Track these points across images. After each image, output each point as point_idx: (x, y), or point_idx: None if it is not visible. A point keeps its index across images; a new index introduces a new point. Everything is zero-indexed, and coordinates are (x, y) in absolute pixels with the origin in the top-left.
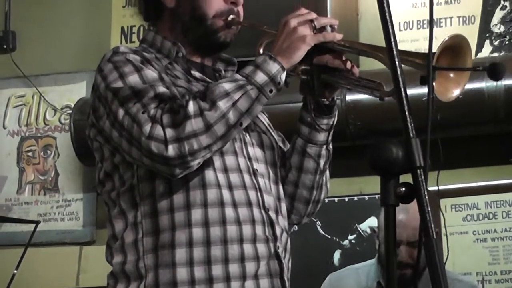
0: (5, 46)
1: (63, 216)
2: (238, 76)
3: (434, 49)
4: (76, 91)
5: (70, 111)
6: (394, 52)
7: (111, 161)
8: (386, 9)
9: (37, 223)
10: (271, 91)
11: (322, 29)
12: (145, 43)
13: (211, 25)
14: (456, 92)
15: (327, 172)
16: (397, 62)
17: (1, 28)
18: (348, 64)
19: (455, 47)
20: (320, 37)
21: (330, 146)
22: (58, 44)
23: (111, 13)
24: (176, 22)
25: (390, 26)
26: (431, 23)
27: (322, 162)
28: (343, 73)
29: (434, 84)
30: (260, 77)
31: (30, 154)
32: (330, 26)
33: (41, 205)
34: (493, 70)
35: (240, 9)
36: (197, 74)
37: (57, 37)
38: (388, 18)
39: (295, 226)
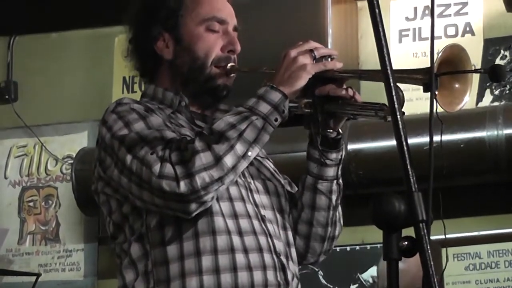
0: (7, 96)
1: (64, 267)
2: (241, 109)
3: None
4: (78, 141)
5: (72, 161)
6: (395, 103)
7: (119, 212)
8: (386, 56)
9: (37, 275)
10: (276, 119)
11: (322, 59)
12: (146, 97)
13: (210, 73)
14: (461, 103)
15: (340, 208)
16: (398, 115)
17: (3, 78)
18: (350, 91)
19: (454, 59)
20: (321, 65)
21: (341, 181)
22: (59, 94)
23: (113, 63)
24: (175, 74)
25: (390, 75)
26: (432, 71)
27: (334, 197)
28: (346, 101)
29: (438, 97)
30: (264, 107)
31: (31, 204)
32: (330, 56)
33: (42, 255)
34: (494, 71)
35: (236, 57)
36: (200, 123)
37: (58, 87)
38: (388, 64)
39: None
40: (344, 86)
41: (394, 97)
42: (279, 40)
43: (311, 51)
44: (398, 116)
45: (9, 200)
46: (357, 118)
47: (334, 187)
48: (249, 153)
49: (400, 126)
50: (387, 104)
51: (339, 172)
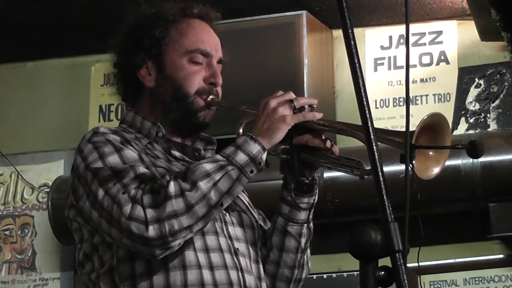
0: None
1: None
2: (219, 157)
3: (413, 128)
4: (54, 169)
5: (48, 190)
6: (371, 133)
7: (90, 242)
8: (362, 88)
9: None
10: (251, 171)
11: (302, 109)
12: (124, 123)
13: (191, 104)
14: (436, 170)
15: (308, 251)
16: (374, 145)
17: None
18: (328, 143)
19: (434, 126)
20: (300, 116)
21: (311, 224)
22: (36, 123)
23: (90, 92)
24: (156, 102)
25: (366, 105)
26: (407, 101)
27: (303, 241)
28: (323, 152)
29: (414, 162)
30: (241, 158)
31: (7, 233)
32: (310, 105)
33: (18, 284)
34: (472, 148)
35: (219, 89)
36: (177, 153)
37: (35, 116)
38: (364, 97)
39: None
40: (323, 137)
41: (370, 126)
42: (254, 69)
43: (290, 101)
44: (374, 146)
45: None
46: (332, 169)
47: (304, 230)
48: (221, 203)
49: (376, 157)
50: (362, 162)
51: (311, 216)
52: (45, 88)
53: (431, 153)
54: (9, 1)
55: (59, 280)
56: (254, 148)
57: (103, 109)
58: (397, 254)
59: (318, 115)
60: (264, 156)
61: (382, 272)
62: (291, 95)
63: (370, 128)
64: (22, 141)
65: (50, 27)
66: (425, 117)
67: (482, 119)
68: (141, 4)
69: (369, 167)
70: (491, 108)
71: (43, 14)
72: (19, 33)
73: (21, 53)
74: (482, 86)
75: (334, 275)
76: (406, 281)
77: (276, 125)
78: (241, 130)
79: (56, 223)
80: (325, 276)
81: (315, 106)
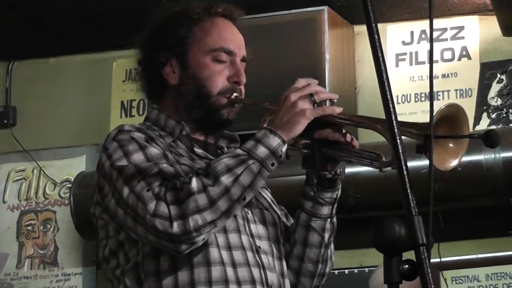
0: (5, 121)
1: None
2: (239, 151)
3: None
4: (76, 165)
5: (70, 185)
6: (395, 127)
7: (116, 238)
8: (386, 82)
9: None
10: (272, 164)
11: (322, 103)
12: (149, 121)
13: (214, 103)
14: (454, 162)
15: (332, 246)
16: (398, 139)
17: (1, 104)
18: (348, 137)
19: (451, 117)
20: (320, 111)
21: (335, 219)
22: (58, 119)
23: (111, 88)
24: (180, 100)
25: (390, 100)
26: (431, 95)
27: (326, 235)
28: (343, 146)
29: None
30: (261, 151)
31: (29, 228)
32: (330, 100)
33: (40, 279)
34: (488, 138)
35: (242, 87)
36: (200, 151)
37: (57, 112)
38: (387, 91)
39: None
40: (343, 131)
41: (394, 119)
42: (276, 65)
43: (311, 95)
44: (398, 140)
45: (7, 224)
46: (353, 163)
47: (328, 225)
48: (244, 197)
49: (400, 151)
50: (382, 154)
51: (334, 211)
52: (67, 84)
53: (450, 144)
54: None
55: (81, 275)
56: (274, 141)
57: (124, 105)
58: (421, 247)
59: (338, 110)
60: (284, 148)
61: (406, 266)
62: (311, 89)
63: (394, 122)
64: (44, 137)
65: (72, 23)
66: (442, 108)
67: (504, 114)
68: (162, 0)
69: (388, 160)
70: None
71: (65, 10)
72: (41, 29)
73: (43, 49)
74: (504, 81)
75: (355, 270)
76: (430, 274)
77: (296, 118)
78: (265, 126)
79: (78, 219)
80: (346, 271)
81: (335, 100)
